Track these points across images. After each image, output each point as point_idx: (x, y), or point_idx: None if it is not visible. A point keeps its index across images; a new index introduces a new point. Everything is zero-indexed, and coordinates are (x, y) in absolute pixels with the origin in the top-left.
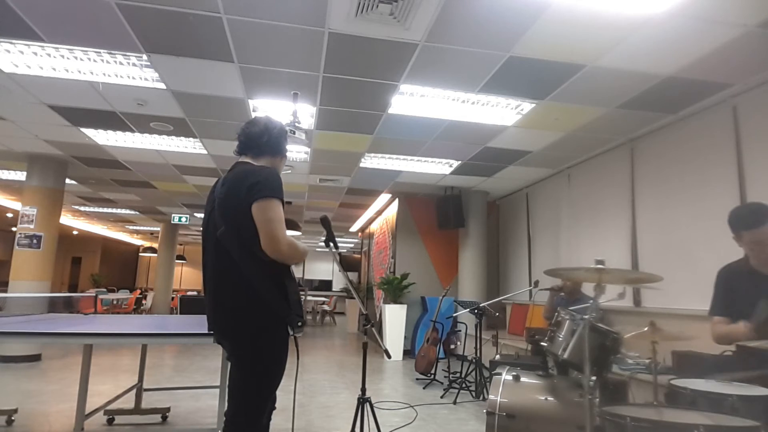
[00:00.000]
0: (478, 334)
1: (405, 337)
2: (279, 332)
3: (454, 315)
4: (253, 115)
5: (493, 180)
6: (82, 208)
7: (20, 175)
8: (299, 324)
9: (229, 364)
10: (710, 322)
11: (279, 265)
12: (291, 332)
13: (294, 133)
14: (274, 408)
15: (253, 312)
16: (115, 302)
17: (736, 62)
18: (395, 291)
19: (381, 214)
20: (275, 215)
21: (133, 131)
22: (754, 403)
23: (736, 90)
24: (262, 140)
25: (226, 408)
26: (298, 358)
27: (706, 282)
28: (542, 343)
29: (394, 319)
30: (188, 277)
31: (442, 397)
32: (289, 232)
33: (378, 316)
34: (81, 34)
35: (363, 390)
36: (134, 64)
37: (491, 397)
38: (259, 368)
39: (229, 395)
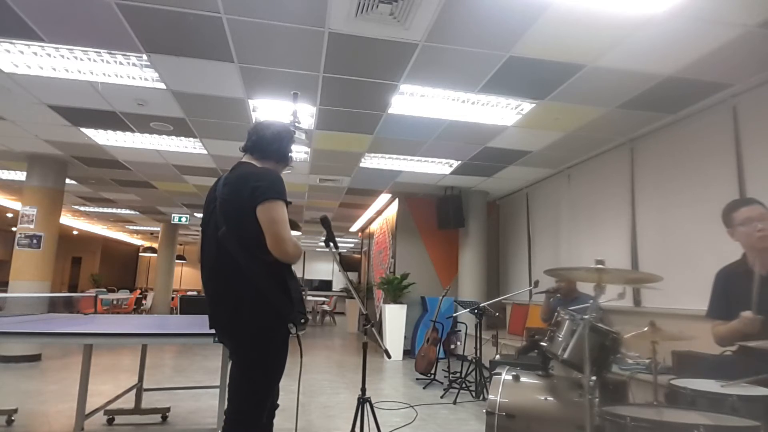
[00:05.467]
0: (478, 334)
1: (405, 337)
2: (279, 331)
3: (454, 315)
4: (253, 115)
5: (493, 180)
6: (82, 208)
7: (20, 175)
8: (302, 321)
9: (229, 364)
10: (710, 324)
11: (281, 265)
12: (293, 331)
13: (294, 133)
14: (278, 406)
15: (254, 311)
16: (115, 302)
17: (736, 62)
18: (395, 291)
19: (381, 214)
20: (280, 216)
21: (133, 131)
22: (754, 403)
23: (736, 90)
24: (272, 147)
25: (226, 407)
26: (301, 357)
27: (706, 282)
28: (542, 343)
29: (394, 319)
30: (188, 277)
31: (442, 397)
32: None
33: (378, 316)
34: (81, 34)
35: (363, 390)
36: (134, 64)
37: (491, 397)
38: (259, 367)
39: (229, 394)
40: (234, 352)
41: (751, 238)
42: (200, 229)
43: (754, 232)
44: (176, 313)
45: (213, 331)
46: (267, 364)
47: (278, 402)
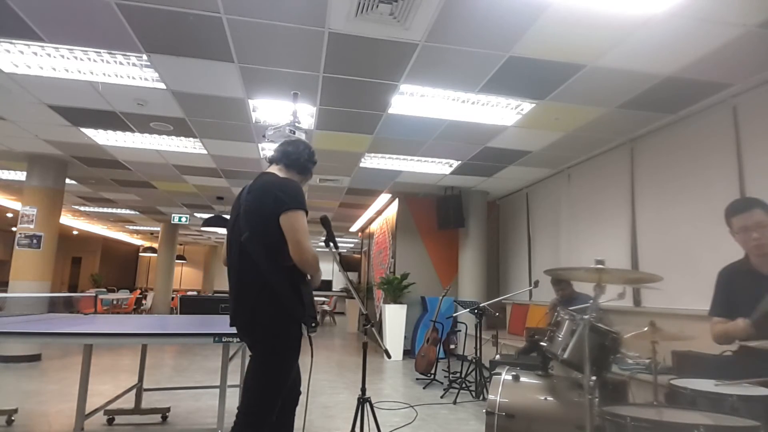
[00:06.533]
0: (478, 334)
1: (405, 337)
2: (293, 331)
3: (454, 315)
4: (253, 115)
5: (493, 180)
6: (82, 208)
7: (20, 175)
8: (313, 324)
9: (229, 365)
10: (710, 322)
11: (296, 271)
12: (306, 333)
13: (294, 133)
14: (300, 393)
15: (271, 311)
16: (115, 302)
17: (736, 62)
18: (395, 291)
19: (381, 214)
20: (301, 226)
21: (133, 131)
22: (754, 403)
23: (736, 90)
24: (292, 158)
25: (226, 408)
26: (312, 356)
27: (706, 282)
28: (542, 343)
29: (394, 319)
30: (188, 277)
31: (442, 397)
32: None
33: (378, 316)
34: (81, 34)
35: (363, 390)
36: (134, 64)
37: (491, 397)
38: (272, 364)
39: (242, 392)
40: (251, 348)
41: (747, 246)
42: (227, 233)
43: (750, 241)
44: (176, 313)
45: (212, 331)
46: (280, 363)
47: (298, 400)
